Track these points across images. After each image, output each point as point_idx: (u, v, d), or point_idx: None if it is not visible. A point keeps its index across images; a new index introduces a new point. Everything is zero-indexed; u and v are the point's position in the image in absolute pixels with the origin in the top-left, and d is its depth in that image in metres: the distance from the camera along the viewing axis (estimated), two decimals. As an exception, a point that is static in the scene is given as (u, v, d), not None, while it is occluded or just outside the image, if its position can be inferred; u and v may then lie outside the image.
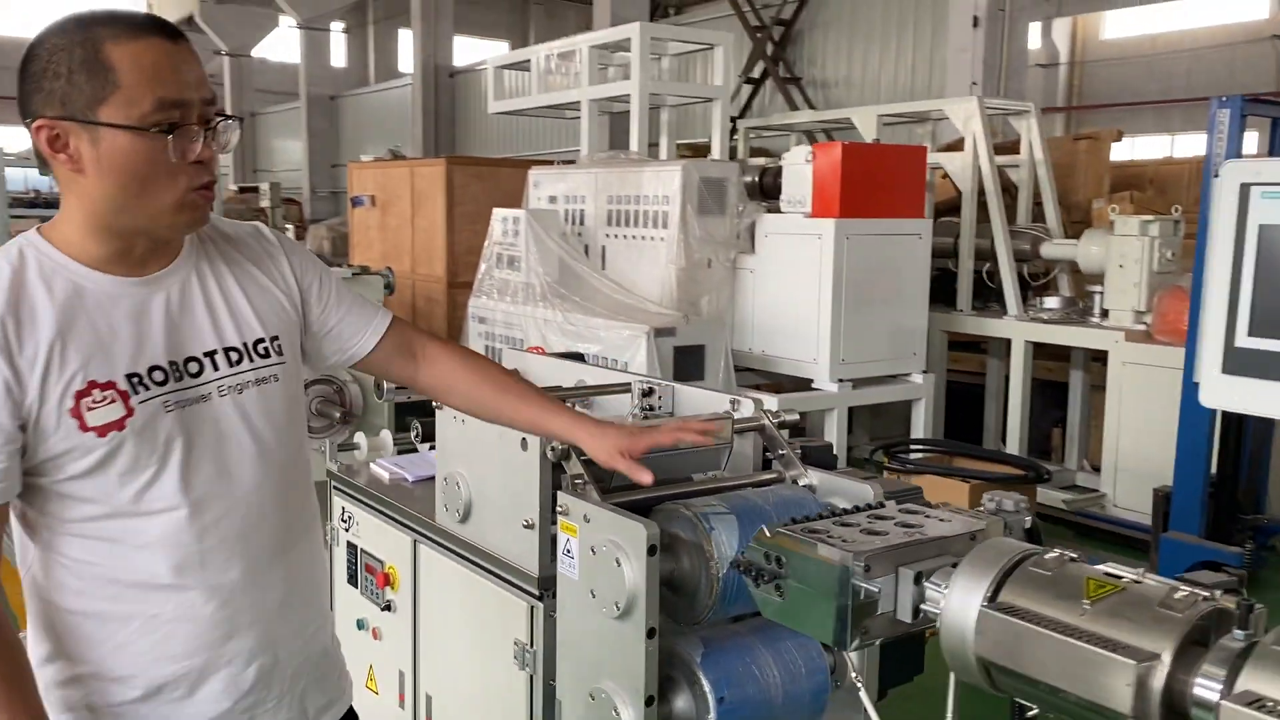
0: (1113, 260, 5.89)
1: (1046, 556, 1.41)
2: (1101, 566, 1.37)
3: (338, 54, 27.70)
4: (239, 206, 14.59)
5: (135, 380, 1.45)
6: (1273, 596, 4.79)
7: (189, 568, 1.50)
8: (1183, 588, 1.27)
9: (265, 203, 13.82)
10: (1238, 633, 1.18)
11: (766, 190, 6.21)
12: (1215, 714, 1.11)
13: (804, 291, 5.79)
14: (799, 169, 5.80)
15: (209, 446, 1.52)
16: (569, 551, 1.91)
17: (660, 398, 2.50)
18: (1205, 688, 1.16)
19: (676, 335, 5.52)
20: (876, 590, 1.56)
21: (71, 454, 1.43)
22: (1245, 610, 1.21)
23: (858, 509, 1.78)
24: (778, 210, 6.04)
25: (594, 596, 1.85)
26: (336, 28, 26.70)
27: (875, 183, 5.67)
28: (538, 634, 2.06)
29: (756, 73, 13.31)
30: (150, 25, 1.42)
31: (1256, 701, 1.10)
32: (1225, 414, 4.66)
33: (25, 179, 16.63)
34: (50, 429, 1.41)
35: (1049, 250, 6.53)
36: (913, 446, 5.60)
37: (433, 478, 2.44)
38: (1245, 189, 1.32)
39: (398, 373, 1.84)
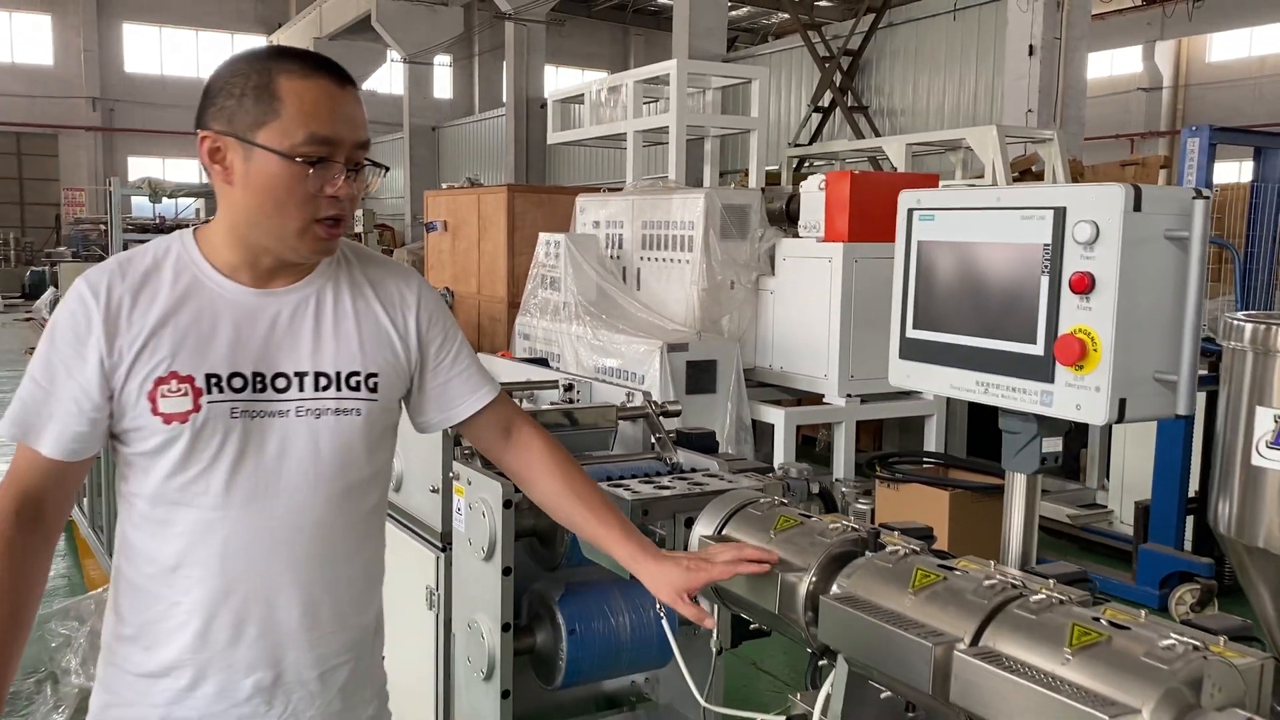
0: (1122, 283, 6.05)
1: (761, 502, 1.78)
2: (785, 510, 1.74)
3: (442, 86, 28.94)
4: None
5: (213, 381, 1.51)
6: (1241, 609, 4.91)
7: (213, 566, 1.54)
8: (841, 525, 1.64)
9: (359, 228, 14.70)
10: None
11: (791, 216, 6.56)
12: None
13: (817, 311, 6.11)
14: (814, 196, 6.15)
15: (266, 460, 1.54)
16: (459, 510, 2.35)
17: (579, 391, 2.92)
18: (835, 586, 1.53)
19: (689, 351, 5.91)
20: (658, 529, 1.95)
21: (140, 432, 1.51)
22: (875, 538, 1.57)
23: (670, 473, 2.17)
24: (797, 235, 6.38)
25: (471, 544, 2.28)
26: (442, 60, 27.94)
27: (885, 209, 5.95)
28: (441, 580, 2.49)
29: (825, 101, 13.60)
30: (323, 67, 1.53)
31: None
32: (1206, 430, 4.83)
33: (152, 208, 18.12)
34: (130, 404, 1.50)
35: (1069, 274, 6.70)
36: (904, 458, 5.85)
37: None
38: (910, 213, 1.64)
39: (488, 446, 1.83)
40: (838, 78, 13.40)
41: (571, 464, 1.80)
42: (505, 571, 2.20)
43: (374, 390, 1.62)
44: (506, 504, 2.18)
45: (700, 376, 5.93)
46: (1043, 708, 1.16)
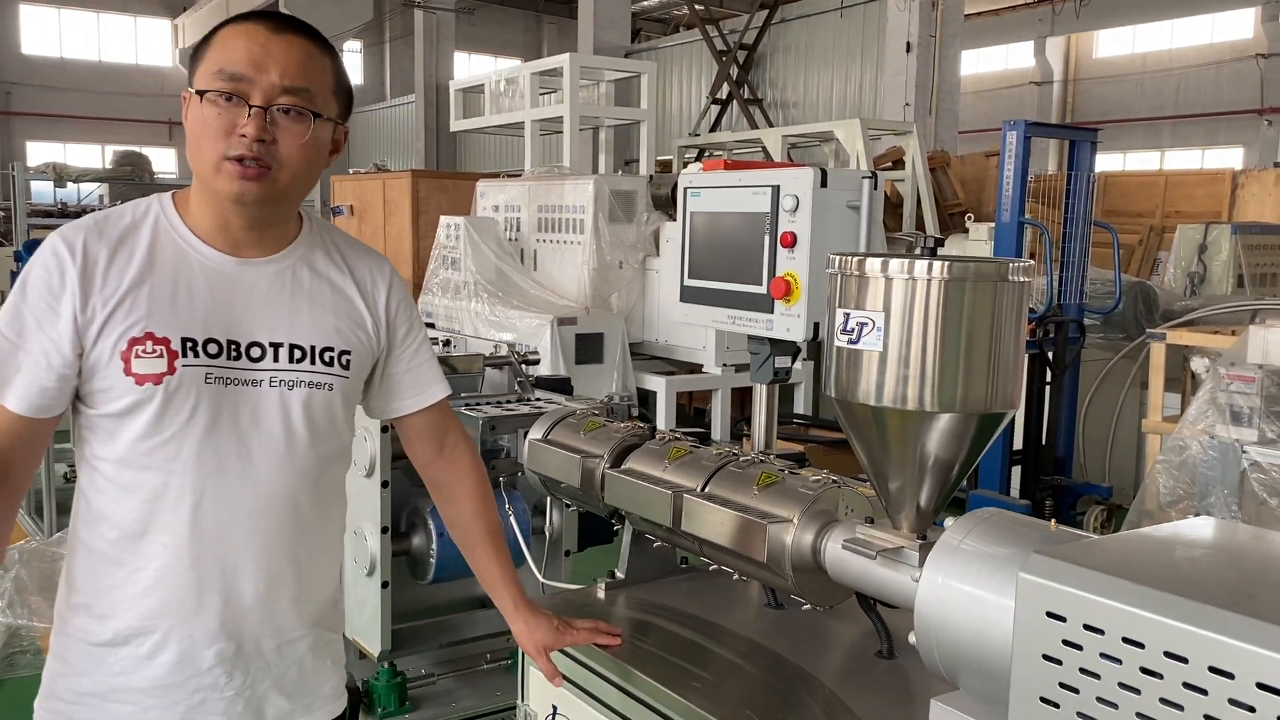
0: (968, 262, 6.74)
1: (579, 413, 2.30)
2: (595, 419, 2.26)
3: (353, 72, 28.91)
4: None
5: (189, 345, 1.50)
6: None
7: (180, 533, 1.52)
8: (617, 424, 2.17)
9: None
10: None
11: (675, 201, 7.12)
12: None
13: (695, 288, 6.68)
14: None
15: (239, 428, 1.54)
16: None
17: (455, 346, 3.41)
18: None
19: (577, 324, 6.43)
20: (504, 442, 2.45)
21: (110, 392, 1.49)
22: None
23: (522, 403, 2.67)
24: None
25: (355, 464, 2.76)
26: (353, 47, 27.92)
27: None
28: (333, 499, 2.96)
29: (723, 94, 14.23)
30: (264, 16, 1.54)
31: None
32: (1028, 387, 5.51)
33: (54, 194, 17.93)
34: (102, 363, 1.48)
35: (925, 254, 7.40)
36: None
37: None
38: (685, 190, 2.17)
39: (418, 449, 1.84)
40: (734, 71, 14.03)
41: (490, 496, 1.87)
42: (384, 484, 2.69)
43: (346, 367, 1.62)
44: (384, 429, 2.67)
45: (588, 348, 6.45)
46: (733, 522, 1.70)
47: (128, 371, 1.48)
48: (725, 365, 6.61)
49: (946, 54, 11.19)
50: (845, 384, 1.50)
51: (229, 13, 24.69)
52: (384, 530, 2.71)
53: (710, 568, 1.98)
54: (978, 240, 6.68)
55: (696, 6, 14.73)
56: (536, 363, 3.16)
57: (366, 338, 1.67)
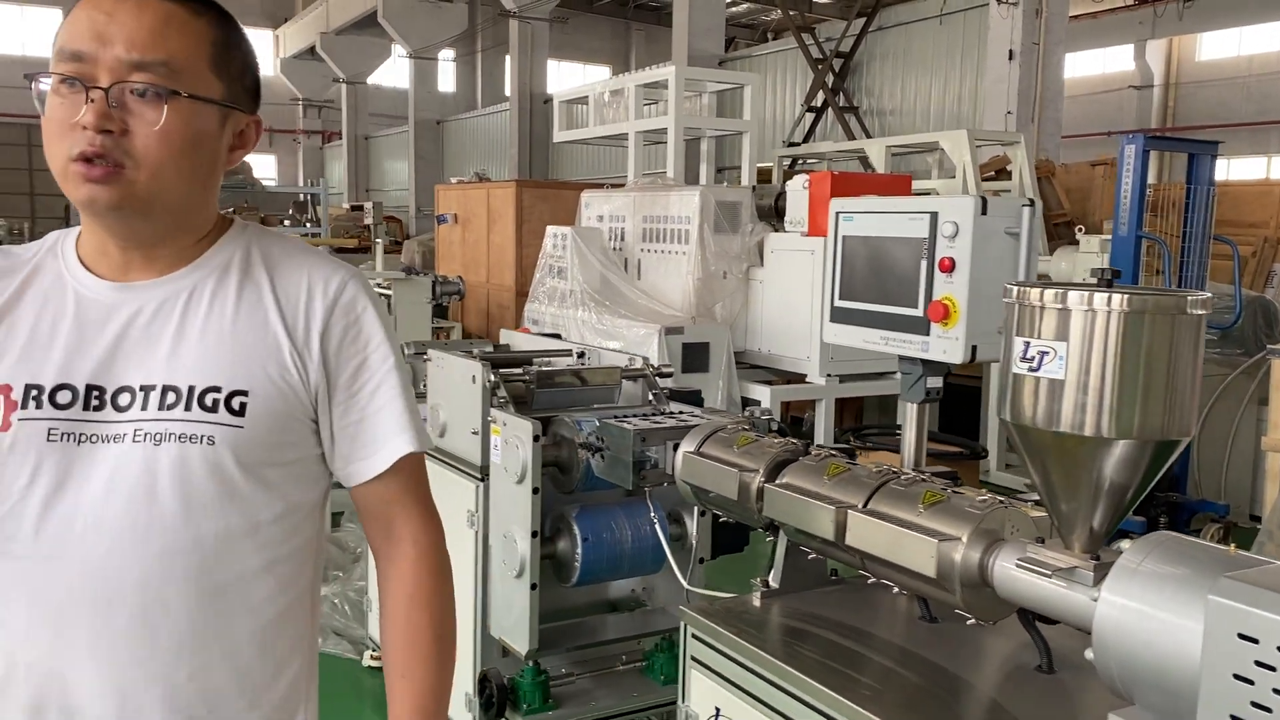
0: (1078, 273, 6.68)
1: (729, 428, 2.40)
2: (746, 433, 2.36)
3: (446, 80, 29.57)
4: (346, 223, 16.16)
5: (34, 394, 1.21)
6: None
7: (13, 630, 1.22)
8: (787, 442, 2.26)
9: (369, 220, 15.34)
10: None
11: (779, 212, 7.19)
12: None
13: (800, 299, 6.74)
14: (798, 194, 6.77)
15: (87, 496, 1.20)
16: (495, 446, 2.97)
17: (588, 359, 3.55)
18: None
19: (684, 334, 6.54)
20: (654, 454, 2.57)
21: None
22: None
23: (664, 414, 2.79)
24: (783, 230, 7.00)
25: (506, 471, 2.91)
26: (446, 56, 28.60)
27: (862, 205, 6.60)
28: (479, 503, 3.12)
29: (818, 102, 14.23)
30: None
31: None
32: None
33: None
34: None
35: (1032, 265, 7.36)
36: (878, 430, 6.47)
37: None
38: (838, 215, 2.25)
39: (368, 530, 1.42)
40: (830, 79, 14.02)
41: (421, 615, 1.39)
42: (534, 491, 2.83)
43: (238, 413, 1.22)
44: (535, 438, 2.80)
45: (695, 357, 6.56)
46: (901, 538, 1.79)
47: None
48: (829, 376, 6.66)
49: (1050, 61, 11.04)
50: (1023, 409, 1.57)
51: (329, 22, 25.45)
52: (534, 535, 2.84)
53: (869, 581, 2.06)
54: (1089, 253, 6.61)
55: (791, 12, 14.76)
56: (670, 375, 3.27)
57: (280, 374, 1.26)
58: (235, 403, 1.23)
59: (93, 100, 1.15)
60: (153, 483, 1.20)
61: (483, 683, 3.02)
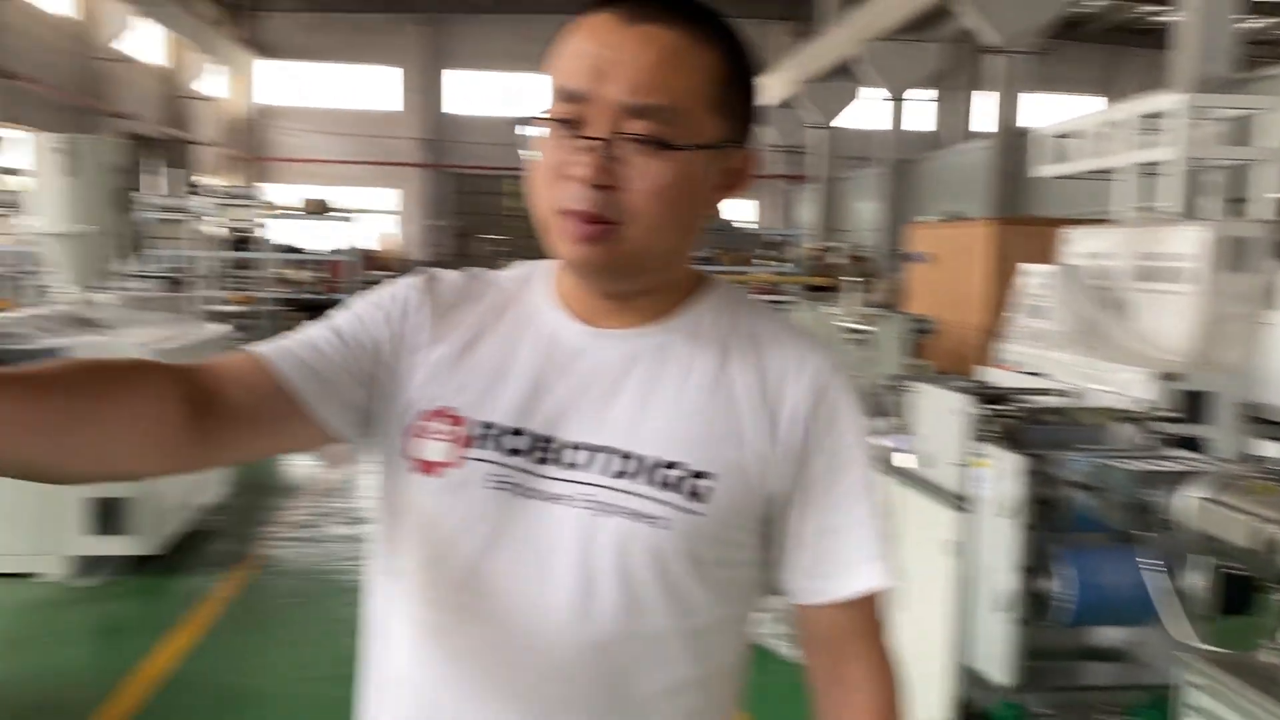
0: None
1: (1243, 477, 2.29)
2: (1266, 483, 2.22)
3: (909, 119, 29.53)
4: (813, 263, 16.82)
5: (489, 432, 1.10)
6: None
7: (402, 700, 1.13)
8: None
9: (836, 259, 15.85)
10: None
11: (1302, 249, 6.41)
12: None
13: (1330, 347, 5.94)
14: (1333, 231, 6.00)
15: (513, 561, 1.08)
16: (979, 478, 3.06)
17: (1075, 399, 3.48)
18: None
19: (1182, 381, 6.04)
20: (1153, 498, 2.52)
21: (390, 460, 1.14)
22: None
23: (1164, 459, 2.71)
24: (1309, 269, 6.23)
25: (994, 505, 2.98)
26: (910, 95, 28.57)
27: None
28: (960, 533, 3.19)
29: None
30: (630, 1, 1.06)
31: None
32: None
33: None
34: (393, 421, 1.14)
35: None
36: None
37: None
38: None
39: (805, 648, 1.20)
40: (1375, 95, 12.08)
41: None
42: (1028, 527, 2.87)
43: (701, 498, 1.07)
44: (1030, 474, 2.85)
45: (1195, 406, 6.03)
46: None
47: (404, 448, 1.12)
48: (1363, 435, 5.79)
49: None
50: None
51: (807, 71, 26.41)
52: (1023, 570, 2.88)
53: None
54: None
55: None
56: (1175, 422, 3.13)
57: (745, 460, 1.09)
58: (700, 484, 1.07)
59: (589, 150, 1.03)
60: (585, 558, 1.06)
61: (966, 708, 3.09)
